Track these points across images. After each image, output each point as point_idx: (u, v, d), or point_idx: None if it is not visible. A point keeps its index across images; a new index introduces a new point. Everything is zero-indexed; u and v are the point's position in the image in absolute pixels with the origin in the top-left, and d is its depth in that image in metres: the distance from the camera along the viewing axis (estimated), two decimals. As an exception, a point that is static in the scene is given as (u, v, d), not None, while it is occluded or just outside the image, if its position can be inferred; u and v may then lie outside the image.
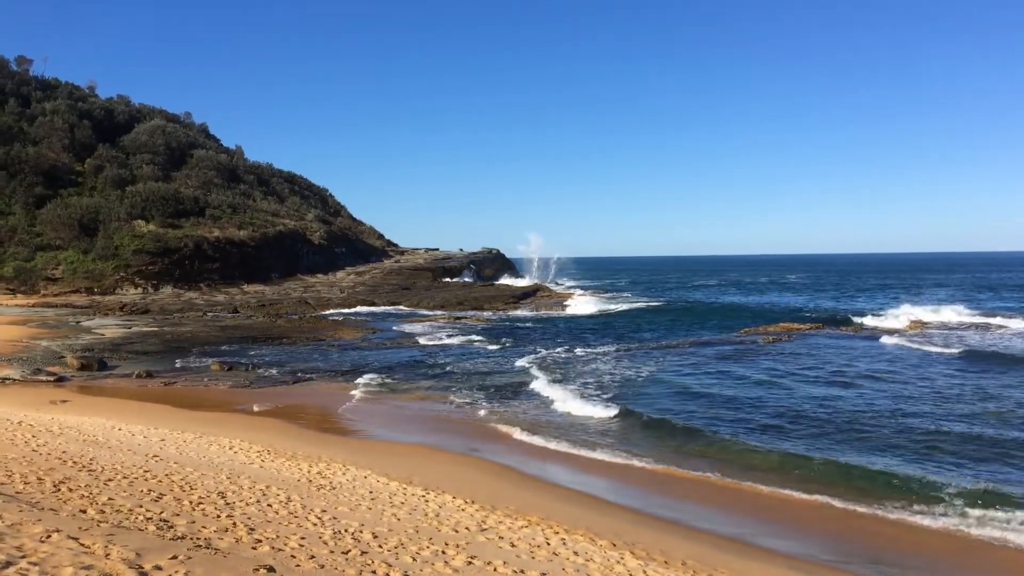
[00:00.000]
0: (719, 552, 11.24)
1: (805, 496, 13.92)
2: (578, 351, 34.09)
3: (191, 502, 10.22)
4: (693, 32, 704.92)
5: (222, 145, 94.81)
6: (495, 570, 9.05)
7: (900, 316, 46.21)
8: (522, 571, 9.14)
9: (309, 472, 13.96)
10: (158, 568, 6.48)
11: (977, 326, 42.30)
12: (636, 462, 16.34)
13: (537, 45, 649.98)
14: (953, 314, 46.76)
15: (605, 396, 23.22)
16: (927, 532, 12.27)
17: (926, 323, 43.58)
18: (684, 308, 60.16)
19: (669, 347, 35.54)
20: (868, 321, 44.84)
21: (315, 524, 9.99)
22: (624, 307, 60.85)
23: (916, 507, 13.11)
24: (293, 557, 8.14)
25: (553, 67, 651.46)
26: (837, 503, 13.50)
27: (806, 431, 18.62)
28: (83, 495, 9.67)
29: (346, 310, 55.30)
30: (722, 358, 31.27)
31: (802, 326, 42.44)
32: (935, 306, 50.60)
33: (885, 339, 36.49)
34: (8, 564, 6.05)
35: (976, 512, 12.72)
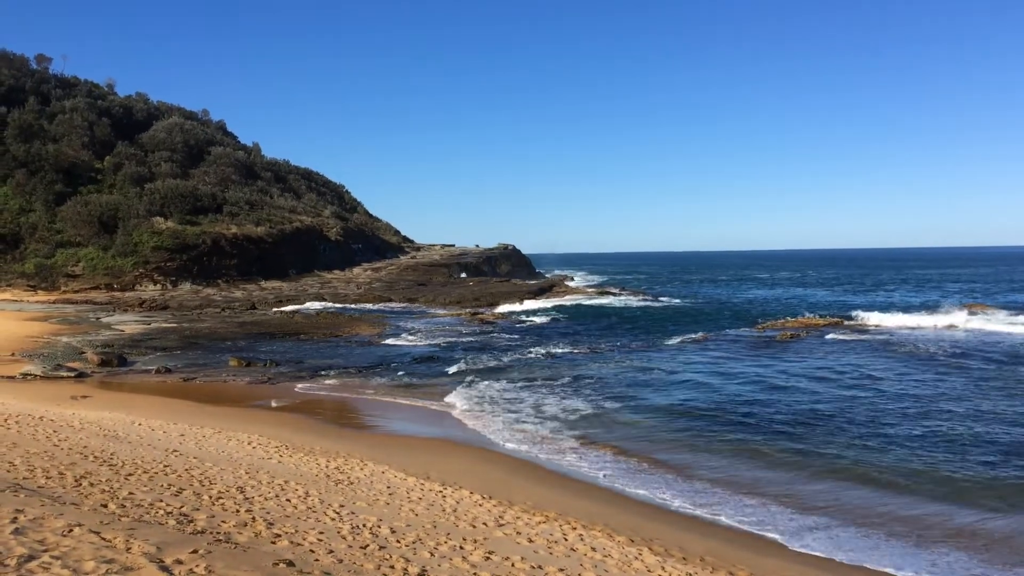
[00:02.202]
0: (737, 549, 11.19)
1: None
2: (595, 347, 34.06)
3: (211, 497, 10.28)
4: (706, 32, 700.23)
5: (239, 142, 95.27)
6: (513, 566, 9.04)
7: (917, 314, 45.79)
8: (540, 567, 9.13)
9: (327, 467, 14.01)
10: (179, 562, 6.51)
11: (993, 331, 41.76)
12: (636, 460, 16.28)
13: (561, 43, 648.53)
14: (966, 315, 46.15)
15: (610, 395, 23.20)
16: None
17: (940, 323, 43.06)
18: (703, 303, 60.00)
19: (687, 343, 35.46)
20: (885, 320, 44.41)
21: (333, 519, 10.02)
22: (641, 303, 60.69)
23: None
24: (312, 551, 8.16)
25: (577, 65, 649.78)
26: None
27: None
28: (104, 489, 9.74)
29: (366, 306, 55.46)
30: (741, 355, 31.16)
31: (819, 321, 42.17)
32: (948, 305, 50.11)
33: (897, 338, 36.20)
34: (31, 558, 6.10)
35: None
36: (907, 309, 50.33)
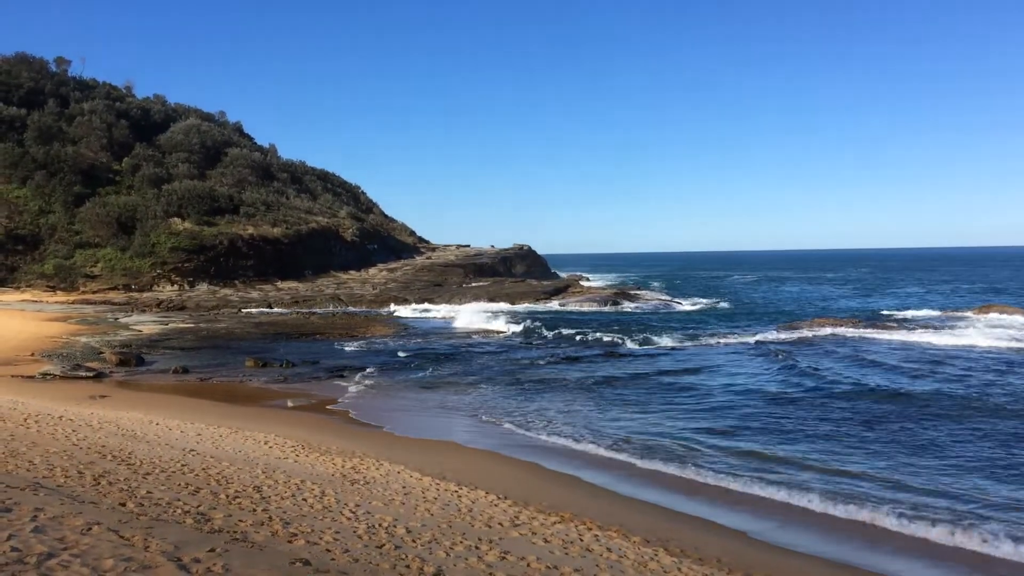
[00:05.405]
0: (754, 550, 11.12)
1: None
2: (609, 350, 34.04)
3: (227, 496, 10.33)
4: (712, 27, 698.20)
5: (256, 143, 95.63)
6: (528, 565, 9.03)
7: (940, 314, 45.36)
8: (555, 567, 9.11)
9: (343, 467, 14.05)
10: (196, 560, 6.55)
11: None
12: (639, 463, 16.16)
13: (569, 43, 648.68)
14: (990, 315, 45.67)
15: (624, 399, 23.15)
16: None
17: (966, 324, 42.66)
18: (723, 304, 59.87)
19: (703, 347, 35.37)
20: (909, 321, 44.00)
21: (349, 518, 10.05)
22: (657, 304, 60.55)
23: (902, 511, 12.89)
24: (328, 551, 8.19)
25: (587, 65, 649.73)
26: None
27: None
28: (122, 488, 9.81)
29: (380, 310, 55.67)
30: (760, 358, 31.03)
31: (842, 322, 41.83)
32: (970, 306, 49.64)
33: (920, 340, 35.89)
34: (50, 556, 6.15)
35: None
36: (926, 310, 50.01)
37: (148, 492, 9.79)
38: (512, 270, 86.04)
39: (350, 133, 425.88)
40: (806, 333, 37.70)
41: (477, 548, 9.42)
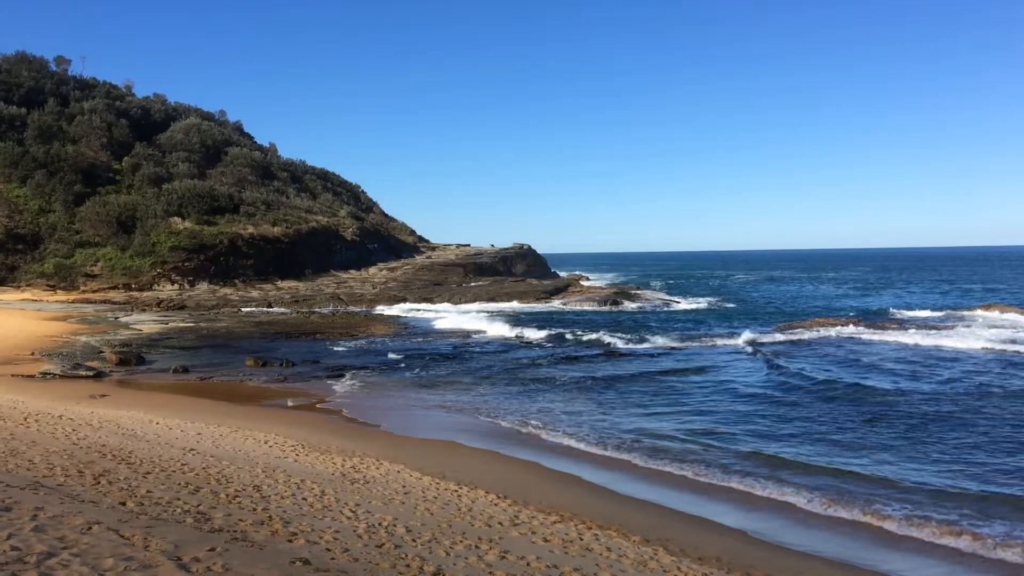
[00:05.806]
0: (754, 549, 11.13)
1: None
2: (608, 349, 34.05)
3: (227, 495, 10.33)
4: (711, 26, 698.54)
5: (256, 143, 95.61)
6: (528, 565, 9.03)
7: (939, 314, 45.34)
8: (556, 566, 9.11)
9: (343, 466, 14.05)
10: (196, 560, 6.54)
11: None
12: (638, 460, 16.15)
13: (570, 42, 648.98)
14: (992, 314, 45.71)
15: (625, 401, 23.12)
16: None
17: (967, 323, 42.66)
18: (722, 304, 59.81)
19: (704, 347, 35.39)
20: (910, 320, 43.98)
21: (349, 518, 10.05)
22: (657, 303, 60.51)
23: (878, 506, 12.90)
24: (328, 550, 8.18)
25: (588, 63, 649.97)
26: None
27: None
28: (122, 488, 9.81)
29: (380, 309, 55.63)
30: (760, 357, 31.02)
31: (841, 323, 41.80)
32: (971, 305, 49.62)
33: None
34: (50, 555, 6.15)
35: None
36: (927, 310, 50.00)
37: (148, 491, 9.79)
38: (512, 269, 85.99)
39: (350, 132, 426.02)
40: (806, 333, 37.71)
41: (477, 547, 9.42)
